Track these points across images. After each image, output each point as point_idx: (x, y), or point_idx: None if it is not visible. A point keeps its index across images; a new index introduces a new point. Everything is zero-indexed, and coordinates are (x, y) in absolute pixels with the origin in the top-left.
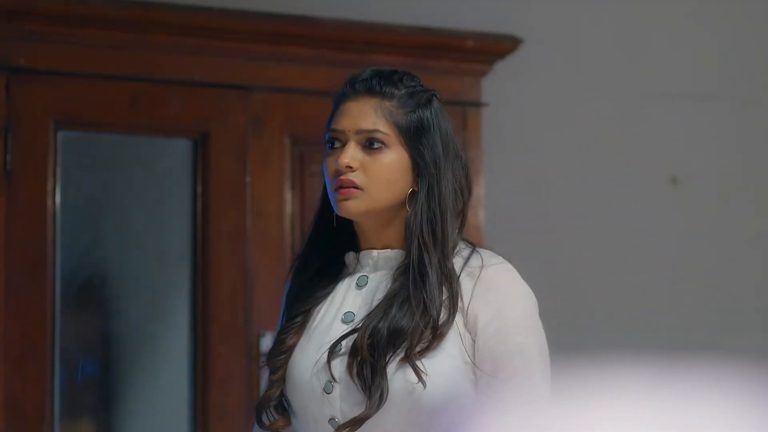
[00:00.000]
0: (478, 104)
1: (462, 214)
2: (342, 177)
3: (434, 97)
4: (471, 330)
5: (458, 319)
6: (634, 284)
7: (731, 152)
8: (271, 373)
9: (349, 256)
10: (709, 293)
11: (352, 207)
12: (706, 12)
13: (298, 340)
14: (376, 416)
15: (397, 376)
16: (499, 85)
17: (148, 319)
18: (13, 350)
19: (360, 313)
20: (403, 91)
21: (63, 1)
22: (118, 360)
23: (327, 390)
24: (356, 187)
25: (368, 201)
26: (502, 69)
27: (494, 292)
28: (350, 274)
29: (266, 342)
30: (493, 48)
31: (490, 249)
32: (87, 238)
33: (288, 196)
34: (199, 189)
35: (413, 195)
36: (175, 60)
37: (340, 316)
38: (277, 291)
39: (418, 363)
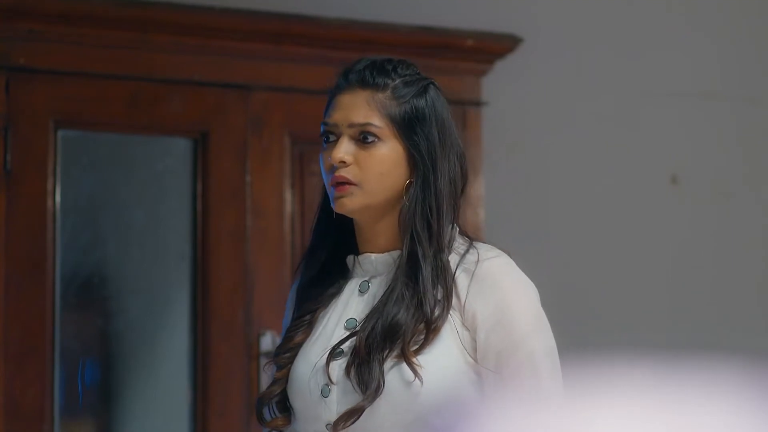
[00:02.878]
0: (477, 103)
1: (457, 205)
2: (336, 174)
3: (431, 85)
4: (470, 327)
5: (455, 317)
6: (633, 283)
7: (731, 152)
8: (276, 369)
9: (350, 260)
10: (709, 293)
11: (347, 204)
12: (706, 12)
13: (304, 338)
14: (373, 413)
15: (393, 373)
16: (499, 84)
17: (148, 319)
18: (13, 350)
19: (361, 319)
20: (397, 81)
21: (63, 1)
22: (118, 359)
23: (324, 393)
24: (350, 183)
25: (364, 196)
26: (501, 68)
27: (491, 286)
28: (354, 277)
29: (266, 341)
30: (492, 47)
31: (484, 242)
32: (87, 238)
33: (288, 195)
34: (199, 188)
35: (410, 187)
36: (175, 59)
37: (343, 322)
38: (277, 290)
39: (414, 359)
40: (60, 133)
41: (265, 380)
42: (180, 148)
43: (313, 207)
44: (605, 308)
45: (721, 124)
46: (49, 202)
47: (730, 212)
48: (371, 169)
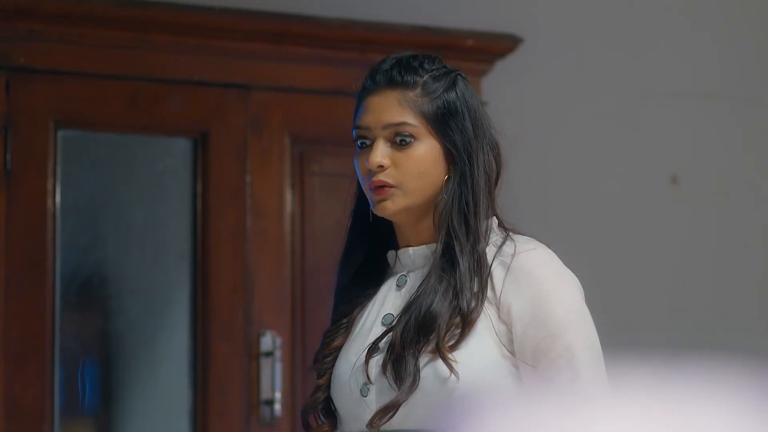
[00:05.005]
0: None
1: (492, 196)
2: (375, 178)
3: (459, 77)
4: (506, 321)
5: (491, 311)
6: (633, 283)
7: (731, 152)
8: (317, 376)
9: (391, 255)
10: (709, 292)
11: (389, 207)
12: (706, 12)
13: (343, 342)
14: (410, 409)
15: (429, 369)
16: (499, 84)
17: (147, 319)
18: (13, 350)
19: (398, 314)
20: (426, 77)
21: (63, 1)
22: (118, 359)
23: (363, 393)
24: (390, 186)
25: (405, 198)
26: (502, 68)
27: (527, 278)
28: (392, 274)
29: (266, 341)
30: (493, 47)
31: (522, 233)
32: (87, 238)
33: (288, 195)
34: (199, 188)
35: (448, 182)
36: (175, 59)
37: (380, 318)
38: (277, 290)
39: (449, 355)
40: (60, 133)
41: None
42: (180, 148)
43: (314, 207)
44: (605, 308)
45: (721, 124)
46: (49, 202)
47: (730, 212)
48: (410, 169)
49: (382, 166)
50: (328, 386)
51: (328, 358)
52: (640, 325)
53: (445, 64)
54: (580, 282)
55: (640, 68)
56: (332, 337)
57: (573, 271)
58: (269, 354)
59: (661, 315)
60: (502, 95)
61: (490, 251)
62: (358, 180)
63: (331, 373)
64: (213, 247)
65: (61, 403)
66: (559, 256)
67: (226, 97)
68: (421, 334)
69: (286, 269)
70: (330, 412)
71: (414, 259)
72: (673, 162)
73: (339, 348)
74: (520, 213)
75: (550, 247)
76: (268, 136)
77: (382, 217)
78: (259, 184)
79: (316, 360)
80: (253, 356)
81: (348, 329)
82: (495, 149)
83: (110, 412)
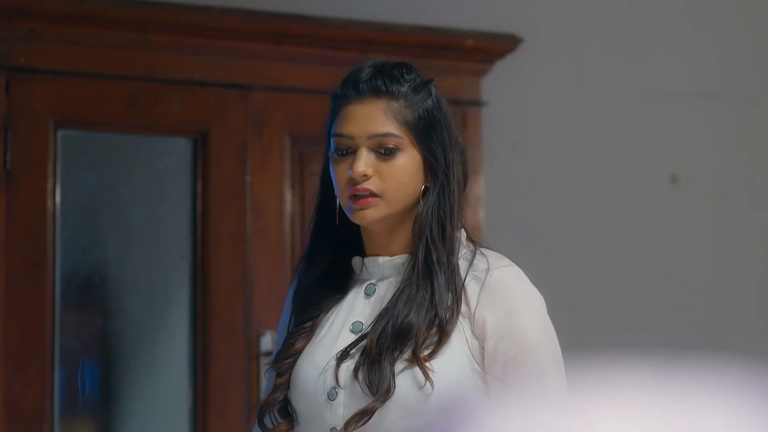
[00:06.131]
0: (477, 103)
1: (461, 206)
2: (359, 186)
3: (433, 86)
4: (479, 336)
5: (465, 325)
6: (633, 283)
7: (731, 152)
8: (277, 376)
9: (356, 262)
10: (708, 292)
11: (370, 215)
12: (706, 12)
13: (305, 345)
14: (383, 415)
15: (405, 376)
16: (498, 84)
17: (147, 318)
18: (13, 350)
19: (368, 323)
20: (406, 87)
21: (63, 1)
22: (118, 359)
23: (331, 397)
24: (374, 195)
25: (386, 207)
26: (501, 68)
27: (501, 295)
28: (358, 280)
29: (266, 341)
30: (492, 47)
31: (489, 247)
32: (87, 238)
33: (288, 195)
34: (199, 188)
35: (426, 192)
36: (175, 59)
37: (349, 325)
38: (277, 290)
39: (426, 364)
40: (60, 133)
41: (264, 386)
42: (180, 148)
43: (313, 206)
44: (605, 308)
45: (721, 124)
46: (49, 202)
47: (730, 212)
48: (394, 179)
49: (366, 176)
50: (287, 387)
51: (289, 360)
52: (640, 325)
53: (418, 72)
54: (582, 280)
55: (640, 68)
56: (295, 338)
57: (573, 271)
58: (269, 354)
59: (661, 315)
60: (502, 95)
61: (462, 265)
62: (322, 181)
63: (290, 374)
64: (213, 247)
65: (61, 403)
66: (558, 257)
67: (226, 97)
68: (398, 342)
69: (286, 269)
70: (287, 412)
71: (383, 269)
72: (673, 162)
73: (301, 351)
74: (520, 213)
75: (545, 250)
76: (268, 136)
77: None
78: (259, 184)
79: (277, 360)
80: (253, 356)
81: (311, 332)
82: (463, 157)
83: (110, 412)
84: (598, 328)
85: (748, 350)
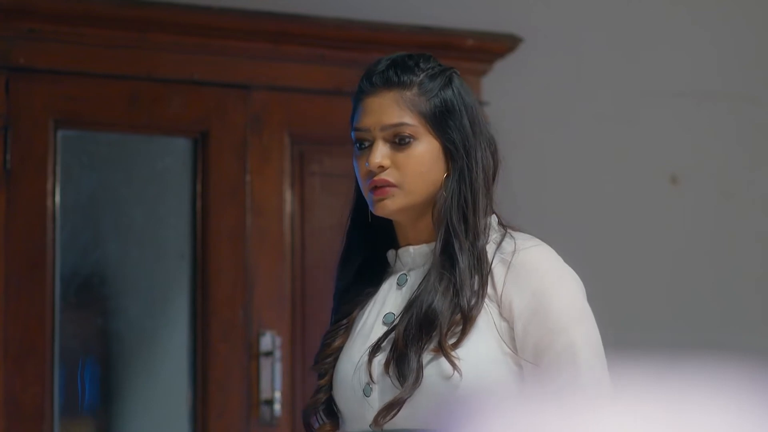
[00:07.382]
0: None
1: (490, 193)
2: (376, 178)
3: (454, 75)
4: (507, 318)
5: (492, 308)
6: (633, 283)
7: (731, 151)
8: (318, 377)
9: (391, 254)
10: (709, 292)
11: (389, 206)
12: (705, 11)
13: (343, 342)
14: (413, 406)
15: (432, 367)
16: (499, 84)
17: (147, 318)
18: (13, 349)
19: (399, 313)
20: (421, 76)
21: (63, 1)
22: (117, 358)
23: (366, 393)
24: (391, 185)
25: (405, 197)
26: (501, 68)
27: (527, 275)
28: (393, 273)
29: (266, 341)
30: (492, 47)
31: (521, 230)
32: (87, 237)
33: (288, 194)
34: (199, 188)
35: (447, 179)
36: (175, 59)
37: (381, 317)
38: (276, 290)
39: (452, 353)
40: (60, 133)
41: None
42: (180, 147)
43: (313, 207)
44: (605, 308)
45: (721, 124)
46: (49, 202)
47: (730, 212)
48: (411, 169)
49: (382, 167)
50: (330, 387)
51: (329, 359)
52: (640, 325)
53: (439, 62)
54: (582, 280)
55: (640, 68)
56: (332, 337)
57: (573, 271)
58: (269, 354)
59: (661, 315)
60: (502, 95)
61: (490, 249)
62: (356, 181)
63: (332, 373)
64: (213, 247)
65: (61, 403)
66: (558, 256)
67: (226, 97)
68: (423, 332)
69: (285, 269)
70: (332, 412)
71: (414, 257)
72: (673, 162)
73: (339, 348)
74: (519, 212)
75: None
76: (268, 135)
77: (381, 218)
78: (259, 183)
79: (317, 361)
80: (253, 356)
81: (348, 329)
82: (492, 146)
83: (110, 411)
84: (598, 327)
85: (748, 350)
